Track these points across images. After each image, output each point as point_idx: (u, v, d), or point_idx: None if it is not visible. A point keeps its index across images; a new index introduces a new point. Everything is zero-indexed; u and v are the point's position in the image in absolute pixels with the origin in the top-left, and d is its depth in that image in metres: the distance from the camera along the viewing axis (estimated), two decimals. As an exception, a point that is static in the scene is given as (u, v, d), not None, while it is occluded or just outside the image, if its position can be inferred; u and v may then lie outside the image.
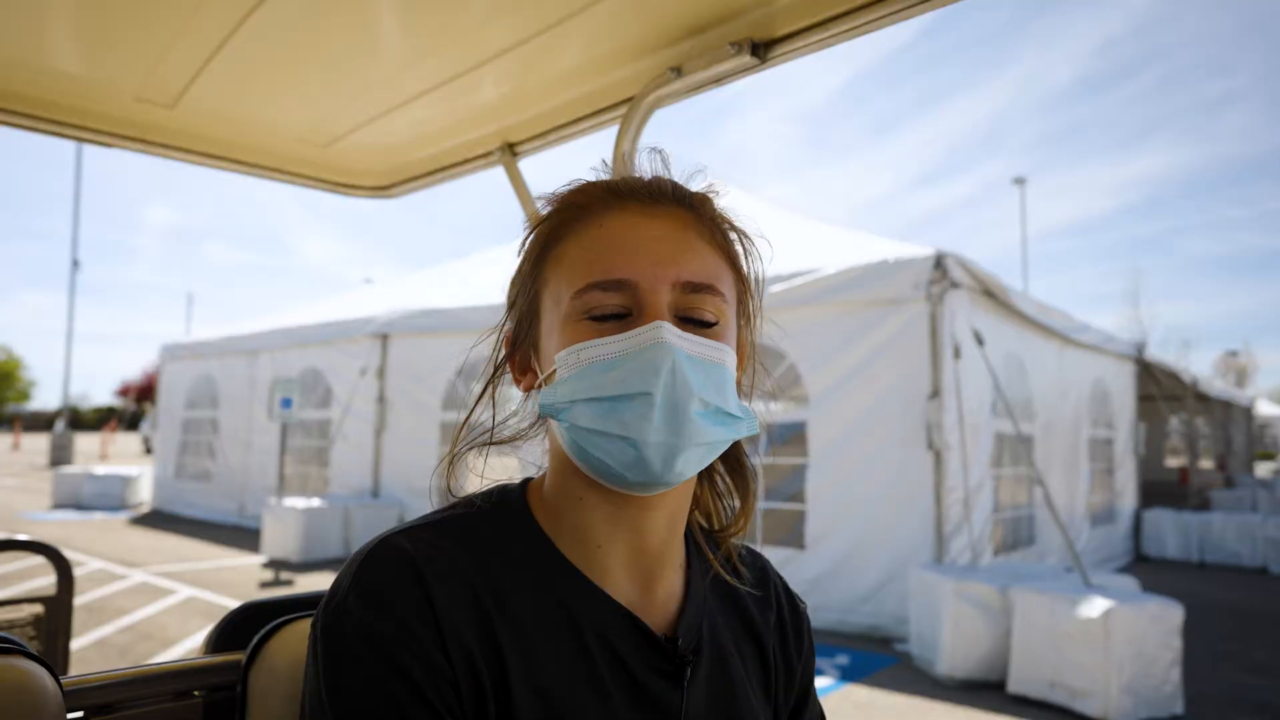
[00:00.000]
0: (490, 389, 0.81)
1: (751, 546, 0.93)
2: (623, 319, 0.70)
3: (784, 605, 0.90)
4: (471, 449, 0.82)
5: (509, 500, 0.79)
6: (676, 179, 0.79)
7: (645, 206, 0.74)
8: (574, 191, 0.78)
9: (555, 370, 0.72)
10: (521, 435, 0.83)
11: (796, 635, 0.89)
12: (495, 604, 0.69)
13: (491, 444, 0.81)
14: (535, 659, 0.68)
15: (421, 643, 0.65)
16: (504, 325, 0.82)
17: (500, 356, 0.82)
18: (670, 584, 0.79)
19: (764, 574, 0.90)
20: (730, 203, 0.81)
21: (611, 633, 0.72)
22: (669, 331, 0.68)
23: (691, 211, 0.76)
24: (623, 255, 0.71)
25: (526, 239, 0.80)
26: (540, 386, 0.76)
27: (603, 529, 0.75)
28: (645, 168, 0.79)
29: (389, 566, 0.68)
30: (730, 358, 0.73)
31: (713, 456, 0.73)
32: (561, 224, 0.76)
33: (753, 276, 0.81)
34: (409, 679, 0.64)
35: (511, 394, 0.82)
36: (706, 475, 0.88)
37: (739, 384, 0.77)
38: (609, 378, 0.68)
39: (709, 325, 0.73)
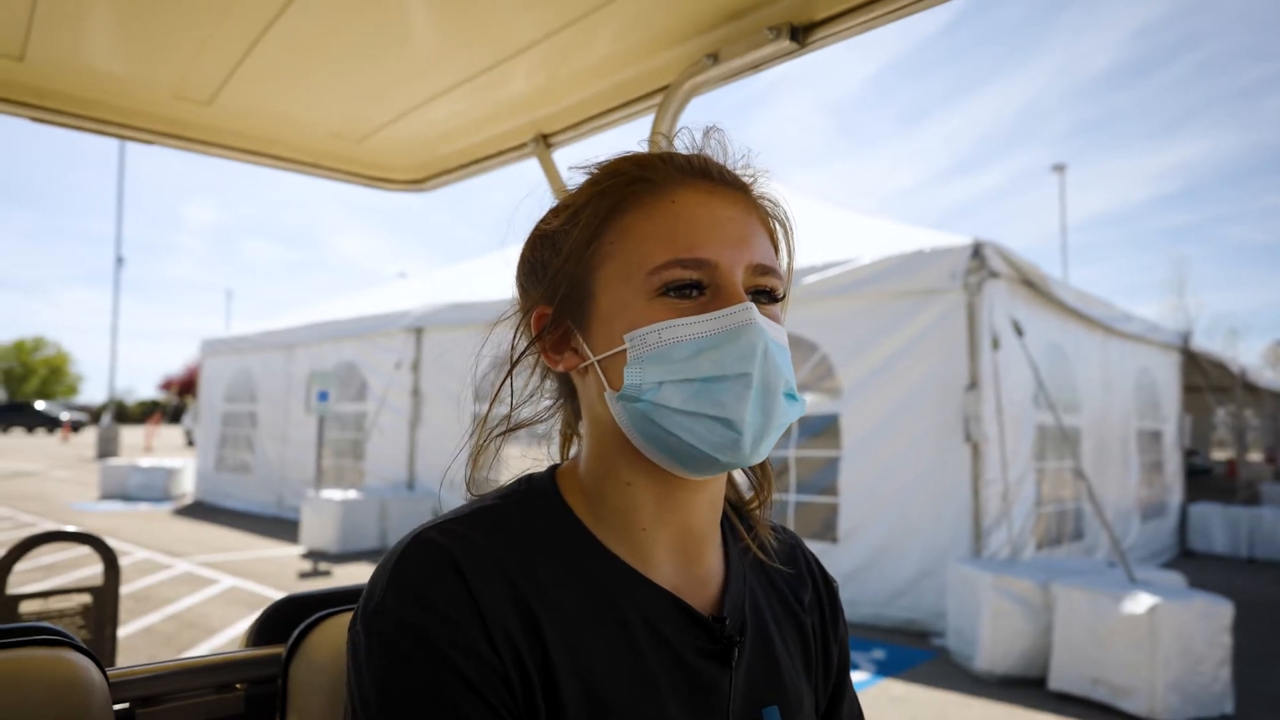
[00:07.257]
0: (511, 373, 0.78)
1: (782, 525, 0.91)
2: (698, 300, 0.69)
3: (819, 583, 0.89)
4: (497, 437, 0.79)
5: (540, 489, 0.77)
6: (731, 159, 0.78)
7: (712, 185, 0.74)
8: (633, 163, 0.75)
9: (624, 350, 0.69)
10: (539, 418, 0.82)
11: (833, 615, 0.88)
12: (535, 594, 0.68)
13: (510, 429, 0.80)
14: (580, 649, 0.67)
15: (468, 637, 0.63)
16: (535, 302, 0.77)
17: (526, 338, 0.78)
18: (711, 563, 0.78)
19: (795, 550, 0.89)
20: (772, 189, 0.81)
21: (657, 617, 0.71)
22: (757, 314, 0.68)
23: (748, 195, 0.76)
24: (700, 234, 0.70)
25: (580, 209, 0.75)
26: (588, 370, 0.73)
27: (650, 512, 0.74)
28: (700, 147, 0.78)
29: (426, 562, 0.66)
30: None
31: (780, 435, 0.72)
32: (627, 196, 0.73)
33: (787, 261, 0.81)
34: (460, 675, 0.62)
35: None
36: None
37: None
38: (705, 359, 0.67)
39: (777, 300, 0.74)
